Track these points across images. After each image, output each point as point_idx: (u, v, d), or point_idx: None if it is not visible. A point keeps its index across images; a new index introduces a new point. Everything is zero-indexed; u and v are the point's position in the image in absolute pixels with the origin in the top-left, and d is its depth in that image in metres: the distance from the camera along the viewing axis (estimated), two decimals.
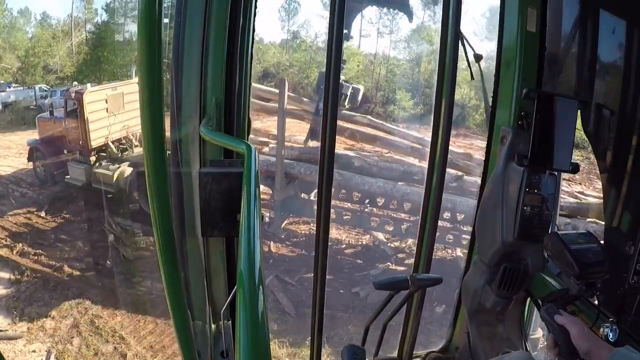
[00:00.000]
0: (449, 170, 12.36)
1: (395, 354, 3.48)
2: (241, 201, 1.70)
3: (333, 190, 2.92)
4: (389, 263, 12.86)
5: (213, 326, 2.64)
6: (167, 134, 2.07)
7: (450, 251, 12.73)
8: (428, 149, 3.15)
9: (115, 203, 13.84)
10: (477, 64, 3.08)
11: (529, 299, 2.94)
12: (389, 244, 13.69)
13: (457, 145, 17.14)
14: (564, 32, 2.85)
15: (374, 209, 13.90)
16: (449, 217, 12.13)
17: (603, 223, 3.09)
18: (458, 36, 2.80)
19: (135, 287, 11.26)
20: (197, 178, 2.17)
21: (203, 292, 2.62)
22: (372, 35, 33.77)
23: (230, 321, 2.57)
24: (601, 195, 3.01)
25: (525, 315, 3.08)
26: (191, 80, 2.38)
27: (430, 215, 3.14)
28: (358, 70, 30.79)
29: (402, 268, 12.39)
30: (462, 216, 12.12)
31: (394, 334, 3.18)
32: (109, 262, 12.14)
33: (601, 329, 2.13)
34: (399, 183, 13.34)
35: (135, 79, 15.34)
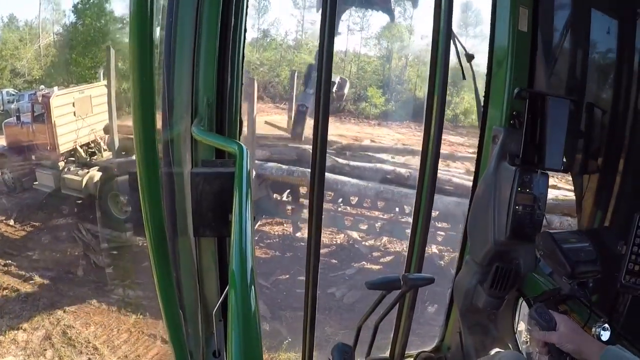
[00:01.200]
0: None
1: (386, 354, 3.48)
2: (233, 201, 1.68)
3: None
4: (364, 262, 12.77)
5: (205, 326, 2.61)
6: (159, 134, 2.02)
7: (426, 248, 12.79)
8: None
9: (85, 209, 13.57)
10: (468, 63, 3.09)
11: (521, 298, 2.95)
12: (363, 243, 13.64)
13: None
14: (556, 31, 2.88)
15: (348, 208, 13.94)
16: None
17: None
18: (450, 36, 2.81)
19: (107, 295, 10.99)
20: (188, 178, 2.14)
21: (195, 292, 2.59)
22: (342, 33, 33.69)
23: (222, 321, 2.54)
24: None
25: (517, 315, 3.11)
26: (182, 80, 2.35)
27: (422, 214, 3.16)
28: None
29: (377, 267, 12.36)
30: (436, 213, 12.15)
31: (381, 334, 3.17)
32: (80, 270, 11.86)
33: (593, 329, 2.14)
34: (371, 182, 13.38)
35: (103, 82, 15.10)
